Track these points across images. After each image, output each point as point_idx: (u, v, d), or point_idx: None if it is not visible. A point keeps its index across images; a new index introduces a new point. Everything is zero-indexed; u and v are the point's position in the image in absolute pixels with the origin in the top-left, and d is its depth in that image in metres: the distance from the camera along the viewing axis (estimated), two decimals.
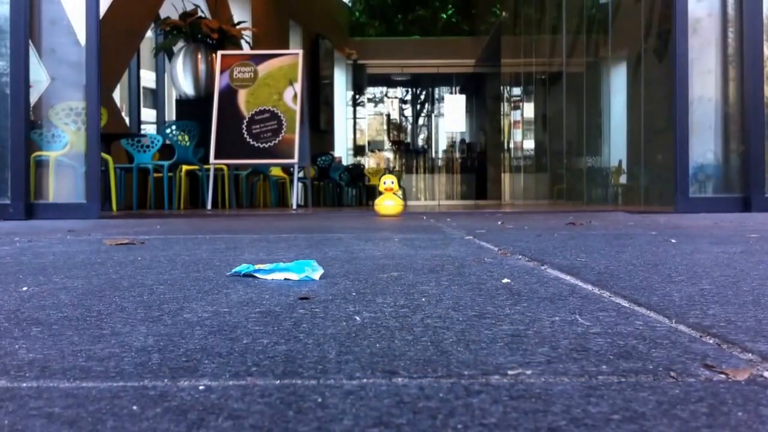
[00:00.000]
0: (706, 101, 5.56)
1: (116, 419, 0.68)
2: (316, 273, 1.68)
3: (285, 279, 1.66)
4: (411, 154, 19.95)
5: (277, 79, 7.50)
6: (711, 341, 1.00)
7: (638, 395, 0.74)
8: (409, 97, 21.27)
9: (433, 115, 20.73)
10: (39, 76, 5.40)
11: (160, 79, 11.43)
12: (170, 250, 2.50)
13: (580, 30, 11.36)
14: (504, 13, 17.08)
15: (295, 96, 7.41)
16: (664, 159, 7.28)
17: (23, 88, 5.09)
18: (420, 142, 20.86)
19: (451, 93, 20.21)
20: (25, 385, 0.80)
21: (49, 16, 5.39)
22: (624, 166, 9.35)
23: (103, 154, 6.89)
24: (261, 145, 7.36)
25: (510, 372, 0.84)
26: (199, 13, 9.09)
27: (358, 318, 1.18)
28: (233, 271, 1.77)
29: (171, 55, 9.56)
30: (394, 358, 0.90)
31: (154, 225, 4.25)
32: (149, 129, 11.40)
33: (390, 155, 20.07)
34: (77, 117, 5.51)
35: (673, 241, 2.69)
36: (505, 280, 1.62)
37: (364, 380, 0.81)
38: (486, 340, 1.01)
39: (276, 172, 9.78)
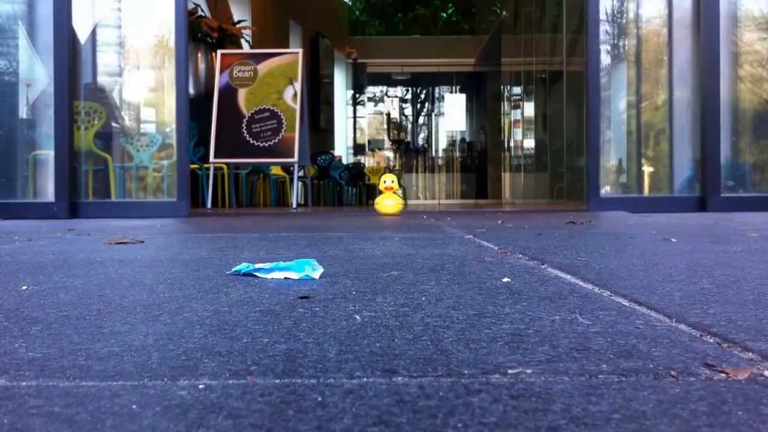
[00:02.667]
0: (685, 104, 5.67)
1: (116, 418, 0.68)
2: (316, 272, 1.68)
3: (285, 278, 1.65)
4: (411, 153, 19.94)
5: (276, 78, 7.50)
6: (711, 340, 1.00)
7: (638, 394, 0.74)
8: (409, 96, 21.25)
9: (433, 114, 20.72)
10: (38, 74, 5.40)
11: None
12: (170, 249, 2.50)
13: (581, 29, 11.35)
14: (504, 12, 17.07)
15: (295, 95, 7.41)
16: (663, 157, 7.33)
17: (66, 89, 5.15)
18: (420, 141, 20.84)
19: (451, 92, 20.19)
20: (24, 384, 0.80)
21: (46, 14, 5.39)
22: (624, 165, 9.34)
23: (102, 153, 6.89)
24: (261, 144, 7.35)
25: (510, 371, 0.84)
26: (199, 12, 9.08)
27: (358, 317, 1.18)
28: (233, 270, 1.77)
29: None
30: (394, 357, 0.90)
31: (154, 224, 4.25)
32: (149, 128, 11.39)
33: (390, 154, 20.05)
34: (76, 116, 5.52)
35: (674, 240, 2.69)
36: (506, 279, 1.62)
37: (364, 379, 0.81)
38: (486, 339, 1.01)
39: (276, 171, 9.78)
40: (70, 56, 5.16)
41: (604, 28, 5.67)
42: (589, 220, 4.07)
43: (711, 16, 5.34)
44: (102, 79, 5.78)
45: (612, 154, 6.15)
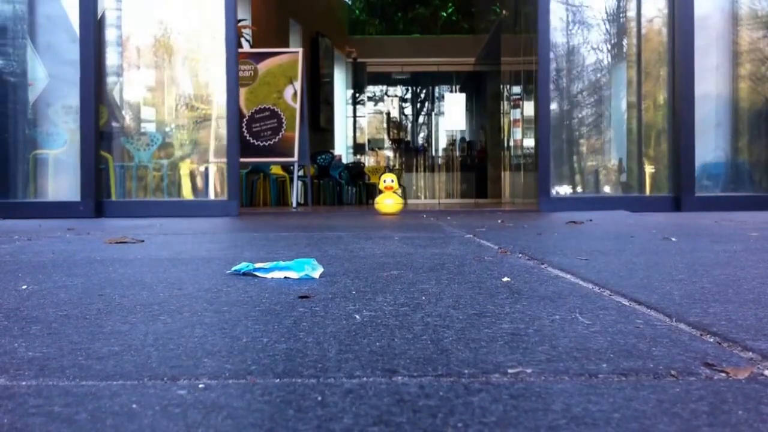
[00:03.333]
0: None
1: (115, 418, 0.68)
2: (316, 271, 1.68)
3: (285, 277, 1.65)
4: (411, 152, 19.96)
5: (277, 78, 7.50)
6: (711, 340, 1.00)
7: (639, 394, 0.74)
8: (409, 96, 21.26)
9: (433, 114, 20.73)
10: (38, 74, 5.40)
11: None
12: (170, 249, 2.50)
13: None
14: (504, 12, 17.05)
15: (295, 94, 7.41)
16: (661, 156, 7.41)
17: (93, 88, 5.18)
18: (420, 141, 20.86)
19: (451, 91, 20.20)
20: (24, 383, 0.80)
21: (47, 14, 5.39)
22: (624, 163, 9.36)
23: (103, 152, 6.90)
24: (261, 144, 7.36)
25: (510, 370, 0.83)
26: None
27: (358, 316, 1.18)
28: (233, 269, 1.77)
29: None
30: (394, 357, 0.90)
31: (154, 223, 4.25)
32: (149, 127, 11.38)
33: (390, 153, 20.06)
34: (76, 115, 5.52)
35: (674, 239, 2.69)
36: (505, 279, 1.62)
37: (364, 379, 0.81)
38: (486, 338, 1.01)
39: (276, 170, 9.77)
40: (96, 55, 5.18)
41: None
42: (589, 220, 4.07)
43: (685, 13, 5.34)
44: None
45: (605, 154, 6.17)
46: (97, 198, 5.24)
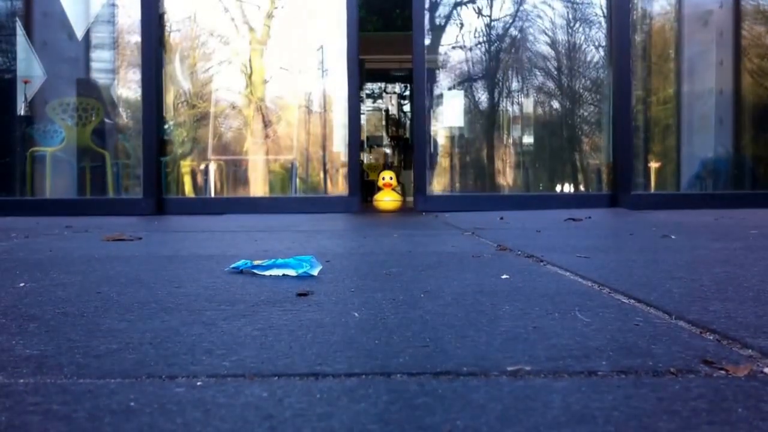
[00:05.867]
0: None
1: (113, 416, 0.68)
2: (315, 269, 1.68)
3: (283, 275, 1.65)
4: (410, 149, 19.93)
5: None
6: (711, 337, 0.99)
7: (638, 391, 0.74)
8: (407, 93, 21.25)
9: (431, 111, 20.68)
10: (35, 71, 5.39)
11: None
12: (168, 247, 2.50)
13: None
14: None
15: None
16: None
17: (154, 89, 5.20)
18: None
19: (449, 88, 20.13)
20: (22, 381, 0.80)
21: (41, 8, 5.38)
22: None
23: (100, 150, 6.89)
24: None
25: (509, 368, 0.83)
26: None
27: (356, 314, 1.18)
28: (231, 266, 1.77)
29: None
30: (393, 355, 0.90)
31: (152, 221, 4.24)
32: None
33: (389, 151, 20.07)
34: (73, 112, 5.52)
35: (673, 237, 2.69)
36: (505, 276, 1.62)
37: (363, 376, 0.80)
38: (485, 336, 1.00)
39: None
40: (157, 56, 5.19)
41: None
42: (588, 217, 4.07)
43: (622, 10, 5.33)
44: (96, 76, 5.78)
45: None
46: (158, 195, 5.29)
